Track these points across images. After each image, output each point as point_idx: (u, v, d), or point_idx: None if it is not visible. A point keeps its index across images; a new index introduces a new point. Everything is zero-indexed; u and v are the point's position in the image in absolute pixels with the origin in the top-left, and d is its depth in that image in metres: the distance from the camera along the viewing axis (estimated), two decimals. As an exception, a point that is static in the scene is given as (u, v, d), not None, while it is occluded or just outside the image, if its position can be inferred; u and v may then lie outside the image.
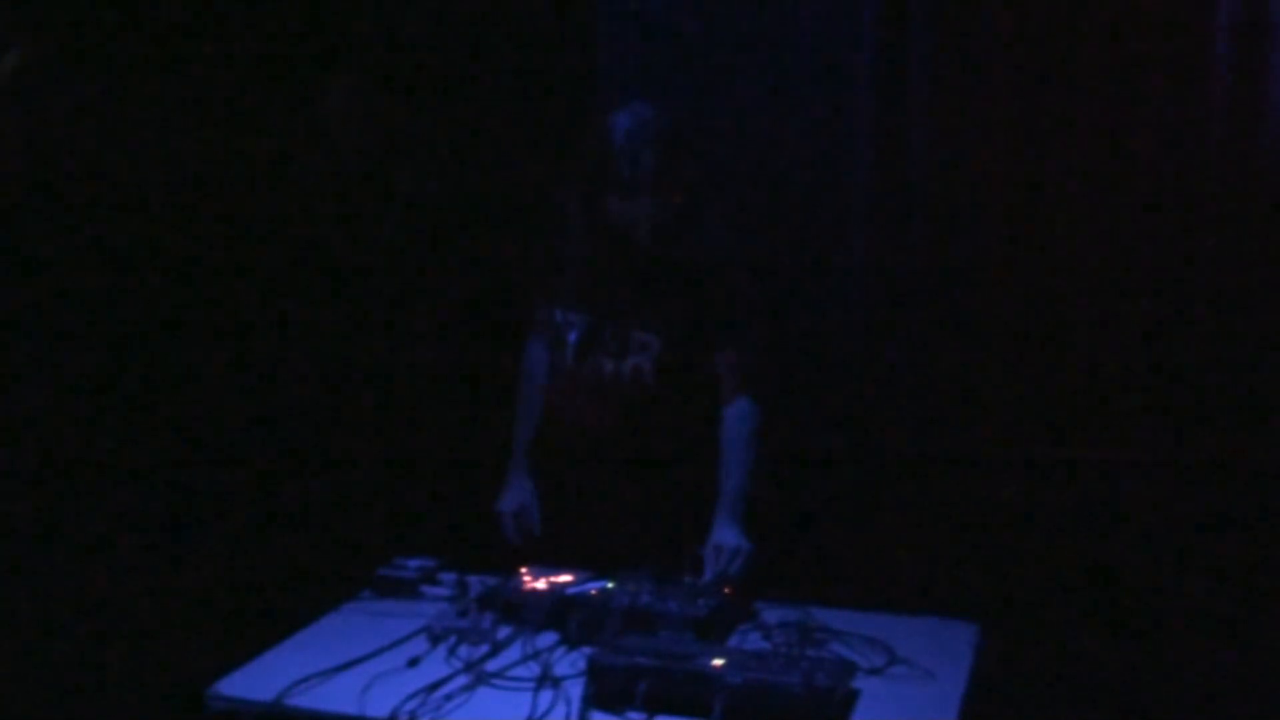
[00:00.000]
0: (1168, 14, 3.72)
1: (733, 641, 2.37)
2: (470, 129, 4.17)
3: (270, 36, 4.19)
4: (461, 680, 2.17)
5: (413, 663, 2.26)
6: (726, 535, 2.63)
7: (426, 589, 2.61)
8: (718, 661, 2.07)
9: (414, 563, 2.66)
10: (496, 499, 2.92)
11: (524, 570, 2.57)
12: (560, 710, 2.07)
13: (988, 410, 3.94)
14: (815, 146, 3.99)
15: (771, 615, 2.45)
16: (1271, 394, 3.71)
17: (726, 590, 2.49)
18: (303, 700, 2.13)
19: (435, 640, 2.34)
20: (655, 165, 2.59)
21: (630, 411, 2.76)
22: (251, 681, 2.21)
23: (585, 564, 2.56)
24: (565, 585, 2.48)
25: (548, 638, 2.34)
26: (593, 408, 2.79)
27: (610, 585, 2.45)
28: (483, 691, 2.15)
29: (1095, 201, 3.81)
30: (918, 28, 3.90)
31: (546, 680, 2.15)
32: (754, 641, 2.36)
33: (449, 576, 2.64)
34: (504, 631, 2.36)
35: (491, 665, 2.24)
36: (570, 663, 2.24)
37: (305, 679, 2.18)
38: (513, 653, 2.29)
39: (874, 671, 2.21)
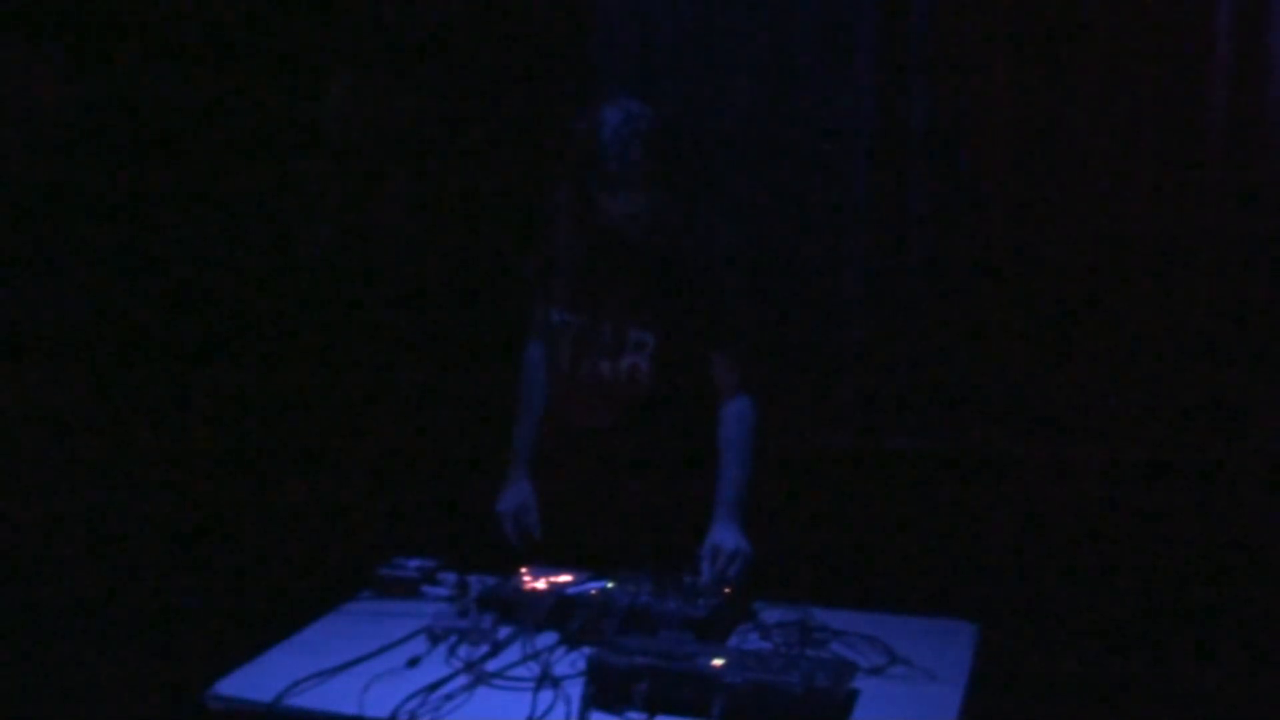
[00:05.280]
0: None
1: (733, 641, 2.37)
2: (469, 128, 4.17)
3: (269, 35, 4.19)
4: (461, 680, 2.17)
5: (413, 663, 2.26)
6: (725, 535, 2.62)
7: (426, 589, 2.61)
8: (717, 661, 2.08)
9: (414, 563, 2.66)
10: (496, 499, 2.92)
11: (524, 570, 2.57)
12: (560, 710, 2.06)
13: (987, 410, 3.93)
14: (815, 144, 3.98)
15: (771, 615, 2.44)
16: (1272, 394, 3.71)
17: (726, 590, 2.49)
18: (303, 700, 2.13)
19: (435, 640, 2.34)
20: (644, 160, 2.56)
21: (627, 411, 2.75)
22: (251, 681, 2.21)
23: (585, 564, 2.56)
24: (565, 585, 2.48)
25: (548, 638, 2.34)
26: (591, 408, 2.78)
27: (610, 585, 2.45)
28: (483, 691, 2.15)
29: (1096, 202, 3.82)
30: (918, 22, 3.89)
31: (546, 680, 2.15)
32: (754, 641, 2.36)
33: (449, 576, 2.64)
34: (504, 631, 2.36)
35: (491, 665, 2.23)
36: (570, 663, 2.24)
37: (305, 679, 2.18)
38: (513, 653, 2.29)
39: (874, 671, 2.21)
